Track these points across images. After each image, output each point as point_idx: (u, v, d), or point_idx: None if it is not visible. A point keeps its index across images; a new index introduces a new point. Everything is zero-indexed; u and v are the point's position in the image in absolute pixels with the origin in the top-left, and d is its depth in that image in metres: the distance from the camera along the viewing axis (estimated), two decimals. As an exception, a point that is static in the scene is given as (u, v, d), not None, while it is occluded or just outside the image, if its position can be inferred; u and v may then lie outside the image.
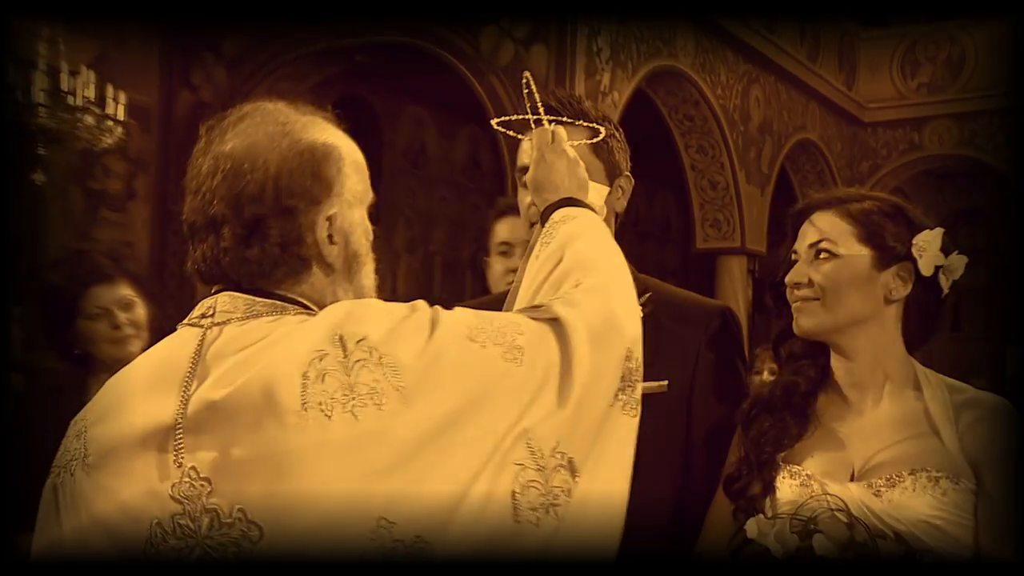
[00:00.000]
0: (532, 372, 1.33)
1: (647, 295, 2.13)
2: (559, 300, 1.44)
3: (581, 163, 1.84)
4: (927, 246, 1.87)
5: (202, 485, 1.24)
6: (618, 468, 1.40)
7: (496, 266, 3.11)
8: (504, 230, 3.11)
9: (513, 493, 1.27)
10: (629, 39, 8.63)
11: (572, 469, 1.32)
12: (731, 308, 2.27)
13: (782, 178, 11.69)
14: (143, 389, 1.33)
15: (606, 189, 1.89)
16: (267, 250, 1.37)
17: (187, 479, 1.25)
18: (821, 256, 1.89)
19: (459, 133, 11.57)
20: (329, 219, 1.41)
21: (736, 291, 10.71)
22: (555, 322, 1.39)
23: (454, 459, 1.25)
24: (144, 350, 1.47)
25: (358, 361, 1.26)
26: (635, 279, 2.19)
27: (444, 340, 1.31)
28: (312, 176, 1.39)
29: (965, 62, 12.04)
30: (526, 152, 2.12)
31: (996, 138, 12.04)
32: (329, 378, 1.25)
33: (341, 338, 1.27)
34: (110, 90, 7.04)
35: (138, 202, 8.50)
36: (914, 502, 1.73)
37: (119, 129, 7.13)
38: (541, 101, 1.99)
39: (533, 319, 1.40)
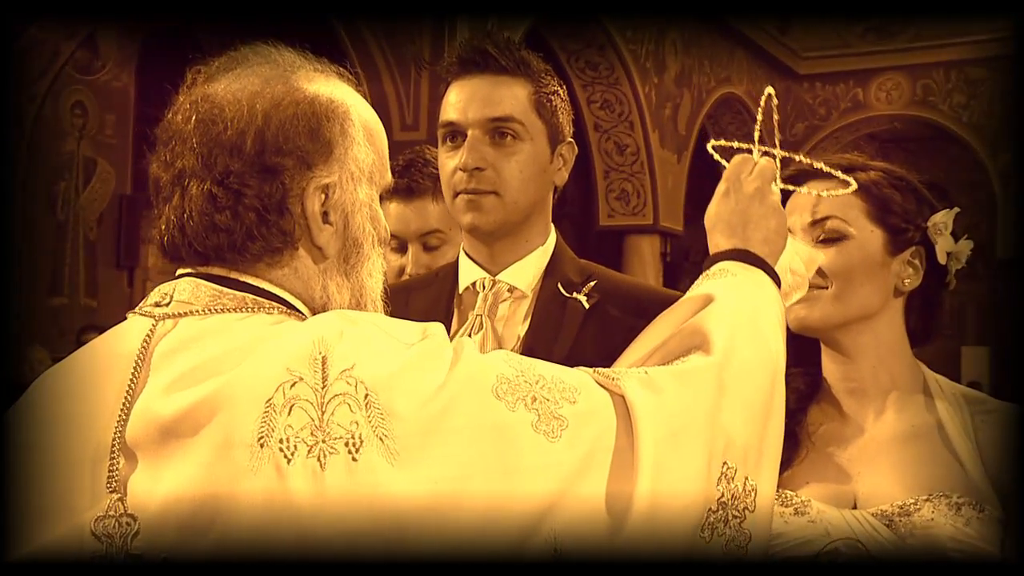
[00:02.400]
0: (570, 452, 1.27)
1: (592, 283, 2.16)
2: (638, 376, 1.38)
3: (782, 212, 1.74)
4: (944, 229, 1.93)
5: (127, 523, 1.21)
6: None
7: (389, 259, 2.94)
8: (390, 217, 2.86)
9: None
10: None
11: None
12: (691, 299, 2.31)
13: (702, 142, 11.92)
14: (79, 392, 1.30)
15: (820, 256, 1.83)
16: (240, 215, 1.33)
17: (112, 512, 1.21)
18: (828, 237, 1.92)
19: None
20: (324, 190, 1.38)
21: (647, 278, 10.90)
22: (623, 401, 1.34)
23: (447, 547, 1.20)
24: None
25: (337, 396, 1.21)
26: (575, 265, 2.22)
27: (459, 390, 1.25)
28: (308, 133, 1.36)
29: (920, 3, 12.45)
30: (452, 105, 2.11)
31: (953, 96, 12.51)
32: (298, 411, 1.20)
33: (324, 361, 1.23)
34: None
35: None
36: (932, 533, 1.78)
37: None
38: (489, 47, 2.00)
39: (600, 385, 1.35)
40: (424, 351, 1.28)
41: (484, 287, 2.16)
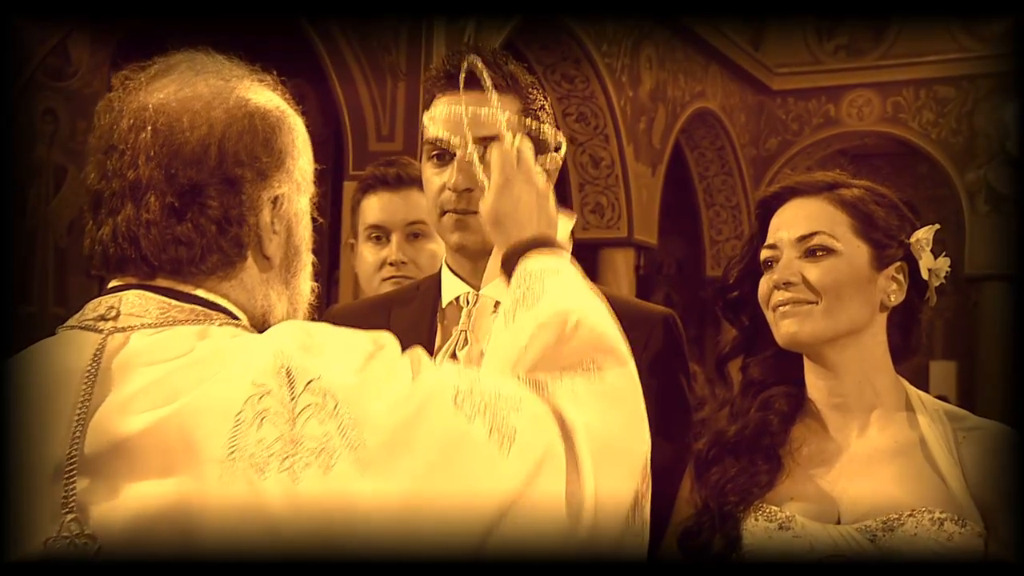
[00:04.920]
0: (521, 464, 1.28)
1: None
2: (565, 393, 1.39)
3: (551, 193, 1.78)
4: (927, 245, 1.96)
5: (86, 543, 1.19)
6: None
7: (366, 255, 3.02)
8: (374, 208, 3.01)
9: None
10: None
11: None
12: (675, 315, 2.31)
13: (676, 156, 11.97)
14: (26, 410, 1.26)
15: (571, 221, 1.87)
16: (202, 228, 1.34)
17: (66, 533, 1.19)
18: (817, 253, 1.94)
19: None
20: (275, 201, 1.39)
21: (621, 291, 10.90)
22: (560, 418, 1.35)
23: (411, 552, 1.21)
24: None
25: (307, 407, 1.21)
26: None
27: (425, 399, 1.27)
28: (263, 144, 1.38)
29: (890, 22, 12.55)
30: (437, 121, 2.10)
31: (923, 113, 12.60)
32: (268, 424, 1.20)
33: (288, 372, 1.23)
34: None
35: None
36: (915, 548, 1.79)
37: None
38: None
39: (536, 396, 1.37)
40: (385, 361, 1.30)
41: (468, 302, 2.15)
